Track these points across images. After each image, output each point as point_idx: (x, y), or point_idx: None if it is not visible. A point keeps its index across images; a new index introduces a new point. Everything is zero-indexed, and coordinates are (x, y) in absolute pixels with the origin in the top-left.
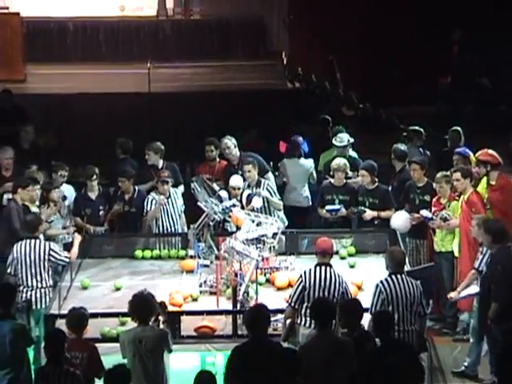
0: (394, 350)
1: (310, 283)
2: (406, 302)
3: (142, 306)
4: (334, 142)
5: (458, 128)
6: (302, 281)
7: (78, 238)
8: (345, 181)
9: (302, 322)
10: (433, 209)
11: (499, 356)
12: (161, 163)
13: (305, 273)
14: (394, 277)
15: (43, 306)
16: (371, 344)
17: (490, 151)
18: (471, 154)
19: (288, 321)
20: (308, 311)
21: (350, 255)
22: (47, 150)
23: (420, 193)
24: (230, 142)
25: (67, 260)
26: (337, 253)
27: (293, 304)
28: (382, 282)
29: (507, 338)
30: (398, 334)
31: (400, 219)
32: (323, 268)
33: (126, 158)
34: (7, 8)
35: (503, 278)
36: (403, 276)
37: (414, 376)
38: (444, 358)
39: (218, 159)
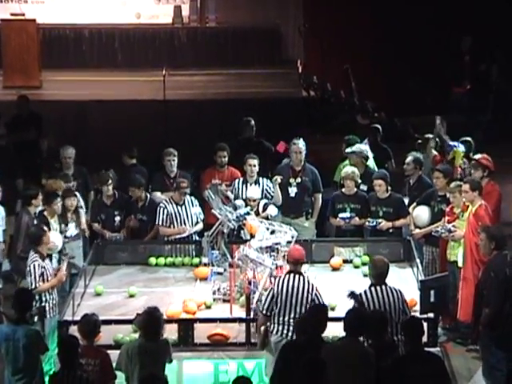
0: (421, 360)
1: (278, 290)
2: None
3: (153, 324)
4: (346, 150)
5: (469, 138)
6: (271, 288)
7: (57, 279)
8: (355, 189)
9: (270, 329)
10: (446, 218)
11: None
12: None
13: (275, 280)
14: (373, 288)
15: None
16: (394, 354)
17: (488, 157)
18: (463, 149)
19: (262, 328)
20: (276, 318)
21: (364, 264)
22: (51, 153)
23: (440, 201)
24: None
25: (31, 288)
26: (351, 262)
27: (264, 311)
28: (360, 294)
29: (498, 345)
30: None
31: (426, 211)
32: (292, 276)
33: (134, 164)
34: (23, 15)
35: (495, 285)
36: (383, 287)
37: None
38: (458, 368)
39: (226, 166)
